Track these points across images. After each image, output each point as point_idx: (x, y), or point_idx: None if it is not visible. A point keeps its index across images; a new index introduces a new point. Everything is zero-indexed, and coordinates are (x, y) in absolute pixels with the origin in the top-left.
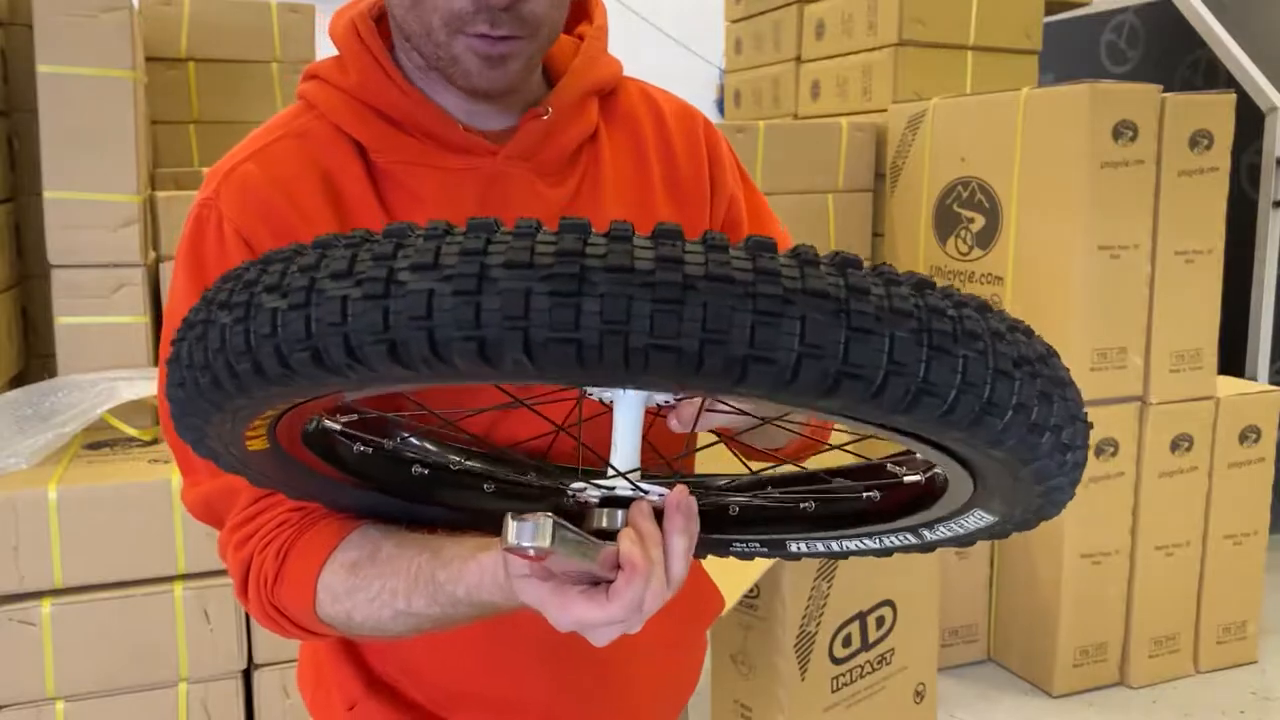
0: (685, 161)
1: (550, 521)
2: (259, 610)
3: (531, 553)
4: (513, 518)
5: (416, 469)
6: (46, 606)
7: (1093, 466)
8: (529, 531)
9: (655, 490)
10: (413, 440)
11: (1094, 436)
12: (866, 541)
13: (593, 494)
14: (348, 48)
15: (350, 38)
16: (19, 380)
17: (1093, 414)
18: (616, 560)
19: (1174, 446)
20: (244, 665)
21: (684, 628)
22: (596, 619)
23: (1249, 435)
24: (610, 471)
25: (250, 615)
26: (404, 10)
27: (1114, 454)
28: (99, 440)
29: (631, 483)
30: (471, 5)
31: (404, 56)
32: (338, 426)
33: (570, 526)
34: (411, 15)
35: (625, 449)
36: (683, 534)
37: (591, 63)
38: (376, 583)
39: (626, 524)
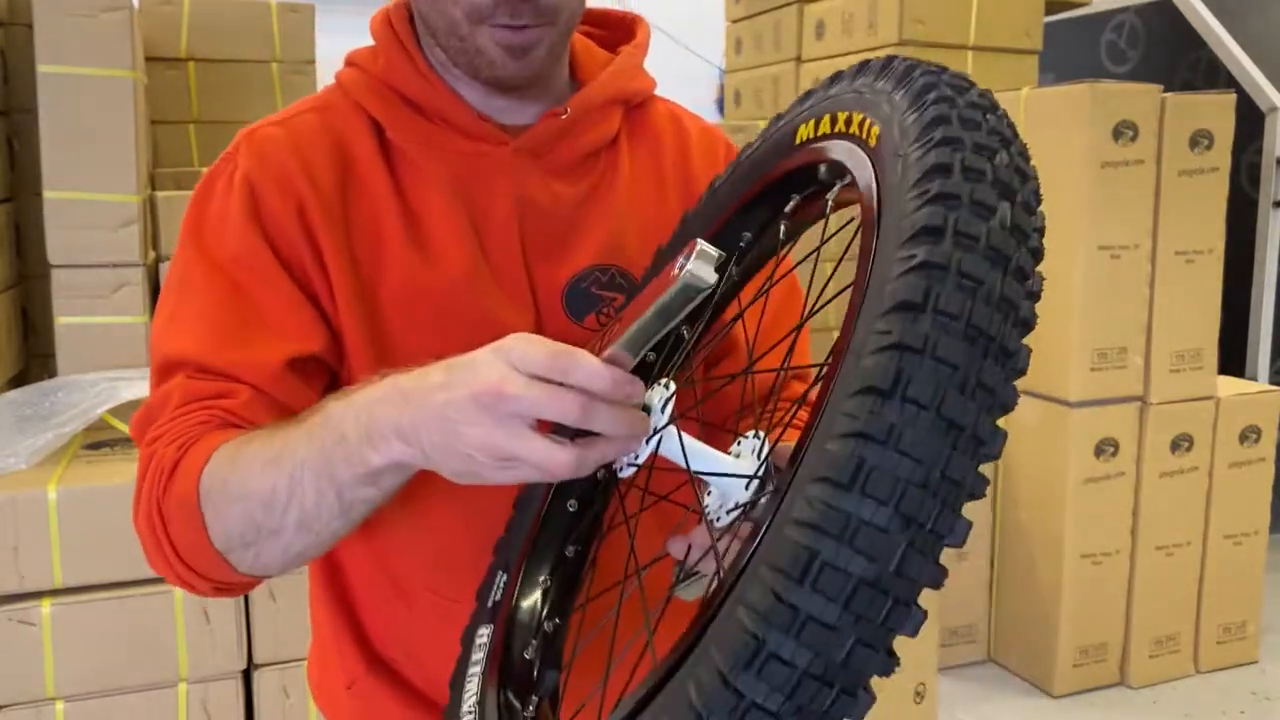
0: (702, 182)
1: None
2: (144, 514)
3: (697, 286)
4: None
5: None
6: (46, 606)
7: (1093, 467)
8: (710, 258)
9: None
10: None
11: (1095, 436)
12: None
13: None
14: (380, 37)
15: (384, 28)
16: (19, 380)
17: (1093, 414)
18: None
19: (1174, 446)
20: (244, 665)
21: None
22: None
23: (1249, 435)
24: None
25: (135, 522)
26: (427, 5)
27: (1114, 454)
28: (99, 440)
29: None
30: None
31: (429, 52)
32: None
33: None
34: (434, 10)
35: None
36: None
37: (620, 73)
38: (259, 442)
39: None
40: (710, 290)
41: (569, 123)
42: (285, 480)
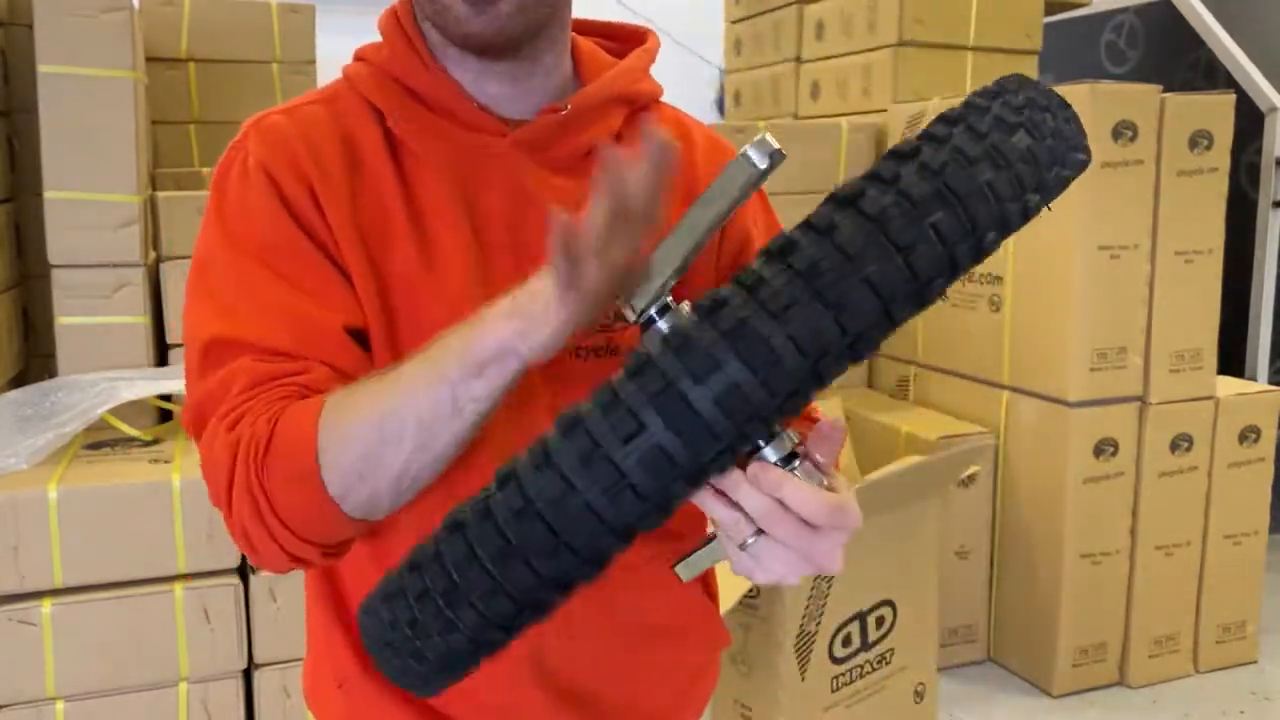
0: (705, 186)
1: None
2: (243, 494)
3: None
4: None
5: None
6: (46, 606)
7: (1093, 466)
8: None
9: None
10: None
11: (1094, 436)
12: None
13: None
14: (386, 30)
15: (390, 21)
16: (19, 380)
17: (1093, 414)
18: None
19: (1174, 446)
20: (244, 665)
21: (689, 653)
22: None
23: (1249, 435)
24: None
25: (231, 514)
26: None
27: (1114, 454)
28: (99, 440)
29: None
30: None
31: (429, 35)
32: None
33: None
34: None
35: None
36: None
37: (625, 73)
38: (368, 381)
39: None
40: (764, 173)
41: (568, 118)
42: (401, 396)
